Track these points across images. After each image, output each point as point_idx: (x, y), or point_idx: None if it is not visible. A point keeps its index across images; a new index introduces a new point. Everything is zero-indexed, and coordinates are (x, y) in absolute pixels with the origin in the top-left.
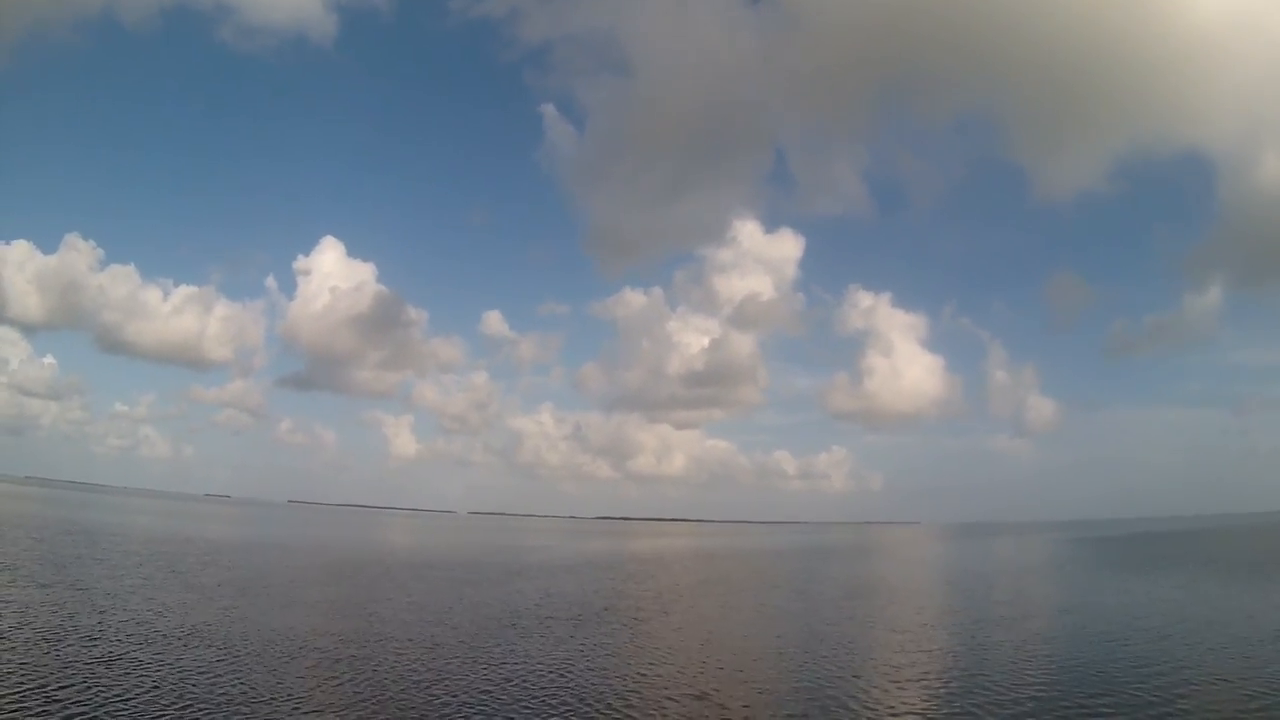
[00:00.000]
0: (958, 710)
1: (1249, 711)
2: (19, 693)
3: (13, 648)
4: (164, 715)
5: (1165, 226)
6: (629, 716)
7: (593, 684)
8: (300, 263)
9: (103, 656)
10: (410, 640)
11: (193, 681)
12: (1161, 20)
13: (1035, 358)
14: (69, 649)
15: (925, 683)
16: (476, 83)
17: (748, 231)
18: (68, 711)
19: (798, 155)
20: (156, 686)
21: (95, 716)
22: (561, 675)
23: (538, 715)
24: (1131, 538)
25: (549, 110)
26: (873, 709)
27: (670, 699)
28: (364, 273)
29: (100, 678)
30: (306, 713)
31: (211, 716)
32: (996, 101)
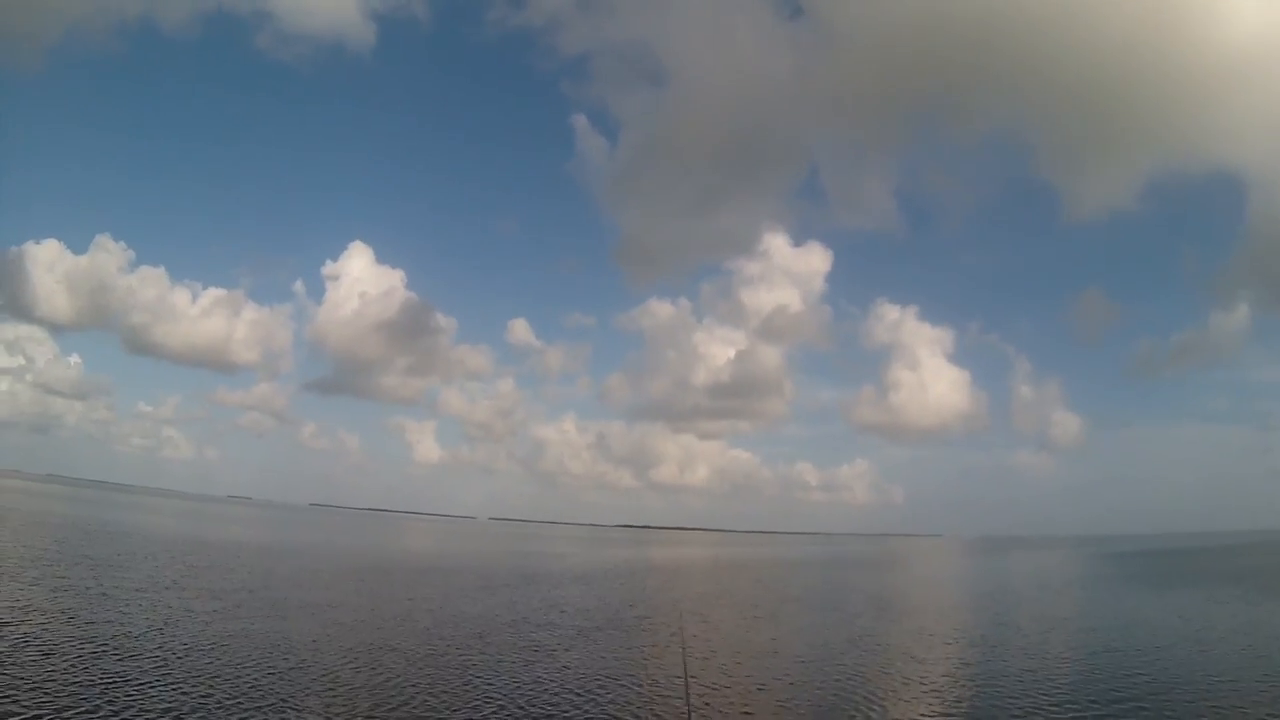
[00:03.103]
0: None
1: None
2: (11, 715)
3: (13, 661)
4: None
5: (1193, 245)
6: None
7: (595, 698)
8: (329, 268)
9: (103, 676)
10: (429, 648)
11: (194, 694)
12: (1192, 40)
13: (1061, 374)
14: (68, 664)
15: (953, 701)
16: (512, 92)
17: (777, 244)
18: None
19: (829, 170)
20: (167, 704)
21: None
22: (566, 689)
23: None
24: (1155, 553)
25: (580, 121)
26: None
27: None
28: (393, 279)
29: (98, 694)
30: None
31: None
32: (1028, 121)
